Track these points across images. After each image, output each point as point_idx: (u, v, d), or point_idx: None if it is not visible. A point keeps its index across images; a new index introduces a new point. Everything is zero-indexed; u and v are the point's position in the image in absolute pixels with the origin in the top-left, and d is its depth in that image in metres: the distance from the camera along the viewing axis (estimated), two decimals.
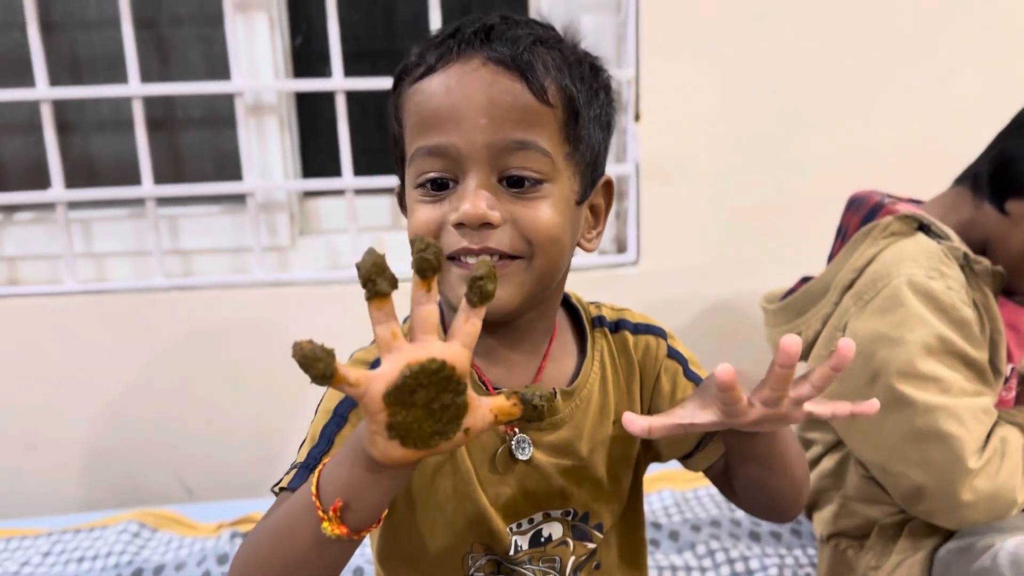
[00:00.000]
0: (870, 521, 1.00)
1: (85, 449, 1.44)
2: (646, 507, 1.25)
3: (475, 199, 0.61)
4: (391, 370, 0.47)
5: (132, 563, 1.16)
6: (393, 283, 0.47)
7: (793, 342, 0.55)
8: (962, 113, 1.44)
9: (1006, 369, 0.93)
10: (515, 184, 0.62)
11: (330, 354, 0.46)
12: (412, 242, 0.47)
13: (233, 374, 1.44)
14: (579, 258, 1.47)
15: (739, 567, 1.09)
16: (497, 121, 0.61)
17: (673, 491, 1.29)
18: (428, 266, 0.47)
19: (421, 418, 0.48)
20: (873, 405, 0.61)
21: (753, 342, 1.27)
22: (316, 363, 0.45)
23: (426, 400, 0.48)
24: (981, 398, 0.88)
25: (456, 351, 0.49)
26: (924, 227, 0.96)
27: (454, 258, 0.63)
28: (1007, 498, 0.86)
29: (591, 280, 1.46)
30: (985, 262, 0.92)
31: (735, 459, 0.71)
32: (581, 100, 0.65)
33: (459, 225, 0.61)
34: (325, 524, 0.53)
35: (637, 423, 0.60)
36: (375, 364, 0.49)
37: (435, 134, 0.62)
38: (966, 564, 0.90)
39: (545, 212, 0.63)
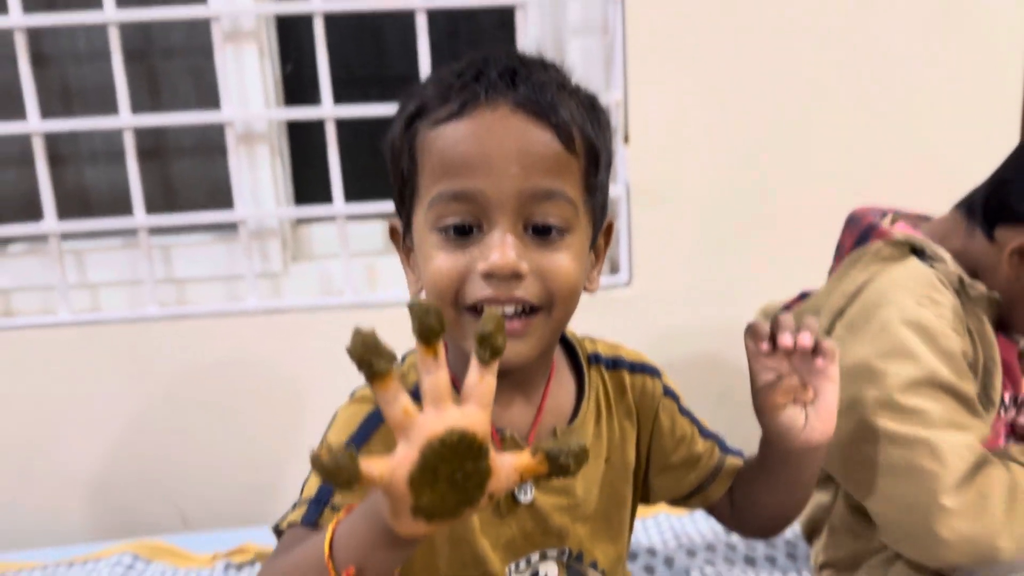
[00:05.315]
0: (856, 555, 0.98)
1: (81, 481, 1.44)
2: (642, 533, 1.26)
3: (505, 249, 0.60)
4: (411, 452, 0.45)
5: None
6: (391, 358, 0.44)
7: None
8: (961, 124, 1.44)
9: (997, 399, 0.90)
10: (539, 232, 0.62)
11: (352, 459, 0.44)
12: (410, 307, 0.45)
13: (228, 402, 1.44)
14: None
15: None
16: (528, 169, 0.61)
17: (669, 515, 1.28)
18: (432, 332, 0.45)
19: (446, 492, 0.46)
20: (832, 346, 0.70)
21: None
22: (339, 473, 0.43)
23: (449, 472, 0.45)
24: (966, 432, 0.85)
25: (474, 415, 0.46)
26: (917, 250, 0.93)
27: (475, 307, 0.62)
28: (987, 543, 0.81)
29: (585, 303, 1.44)
30: (980, 287, 0.90)
31: (767, 484, 0.75)
32: (600, 146, 0.65)
33: (487, 275, 0.61)
34: None
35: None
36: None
37: (461, 179, 0.61)
38: None
39: (566, 263, 0.63)
